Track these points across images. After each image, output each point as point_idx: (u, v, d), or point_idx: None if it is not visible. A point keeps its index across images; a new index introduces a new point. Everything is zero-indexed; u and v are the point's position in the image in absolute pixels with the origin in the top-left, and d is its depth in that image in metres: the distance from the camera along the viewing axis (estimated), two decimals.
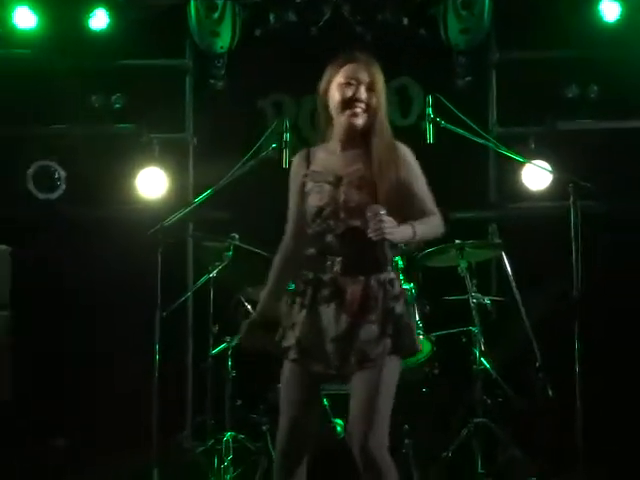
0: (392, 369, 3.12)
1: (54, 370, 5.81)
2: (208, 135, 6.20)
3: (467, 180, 6.01)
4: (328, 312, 3.10)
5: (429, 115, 4.44)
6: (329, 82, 3.23)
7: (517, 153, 4.73)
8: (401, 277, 4.85)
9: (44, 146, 6.03)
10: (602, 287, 5.24)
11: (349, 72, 3.19)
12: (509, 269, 4.79)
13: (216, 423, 5.03)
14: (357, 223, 3.10)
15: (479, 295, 4.86)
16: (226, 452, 4.68)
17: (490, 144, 4.62)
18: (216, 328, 5.10)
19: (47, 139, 6.09)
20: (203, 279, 5.12)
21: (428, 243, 4.80)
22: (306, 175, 3.25)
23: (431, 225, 3.20)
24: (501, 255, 4.88)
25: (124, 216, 6.00)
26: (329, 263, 3.13)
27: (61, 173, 6.02)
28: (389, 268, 3.16)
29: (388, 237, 2.99)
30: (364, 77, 3.18)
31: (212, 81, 6.14)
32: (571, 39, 5.91)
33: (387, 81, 6.48)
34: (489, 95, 6.20)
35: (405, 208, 3.13)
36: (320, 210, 3.16)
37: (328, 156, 3.26)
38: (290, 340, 3.15)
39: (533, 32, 5.94)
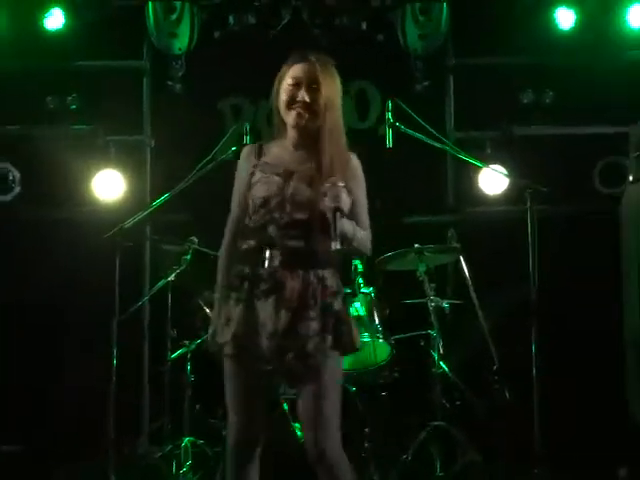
0: (334, 368, 3.13)
1: (8, 373, 5.71)
2: (166, 137, 6.16)
3: (425, 184, 6.07)
4: (266, 307, 3.07)
5: (389, 120, 4.47)
6: (279, 83, 3.24)
7: (475, 158, 4.78)
8: (361, 281, 4.91)
9: None
10: (558, 290, 5.32)
11: (295, 72, 3.19)
12: (467, 273, 4.82)
13: (174, 428, 4.99)
14: (301, 217, 3.10)
15: (437, 299, 4.89)
16: (185, 457, 4.64)
17: (448, 148, 4.67)
18: (174, 332, 5.06)
19: (1, 140, 5.99)
20: (161, 283, 5.08)
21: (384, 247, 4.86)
22: (255, 166, 3.23)
23: (365, 238, 3.21)
24: (459, 259, 4.91)
25: (80, 218, 5.93)
26: (268, 256, 3.10)
27: (15, 174, 5.95)
28: (328, 264, 3.14)
29: (342, 206, 3.00)
30: (309, 78, 3.16)
31: (170, 83, 6.09)
32: (527, 45, 5.99)
33: (345, 85, 6.52)
34: (446, 100, 6.26)
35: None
36: (265, 201, 3.14)
37: (281, 151, 3.26)
38: (225, 336, 3.11)
39: (490, 38, 6.03)
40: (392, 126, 4.48)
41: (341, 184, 3.04)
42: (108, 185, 5.90)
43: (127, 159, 6.02)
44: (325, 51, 5.95)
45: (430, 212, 6.10)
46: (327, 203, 3.02)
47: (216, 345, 3.17)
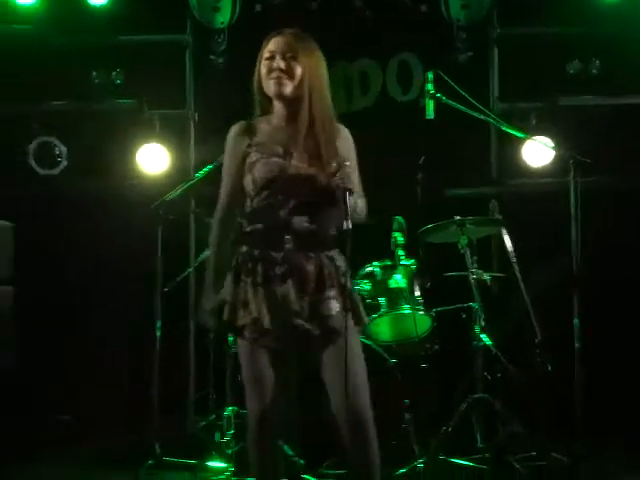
0: (358, 342, 3.22)
1: (56, 345, 5.83)
2: (209, 111, 6.17)
3: (468, 156, 6.01)
4: (284, 290, 3.08)
5: (429, 91, 4.44)
6: (259, 59, 3.26)
7: (518, 129, 4.72)
8: (401, 253, 4.90)
9: (45, 122, 6.01)
10: (602, 262, 5.26)
11: (270, 46, 3.22)
12: (509, 245, 4.78)
13: (218, 398, 5.06)
14: (308, 197, 3.11)
15: (479, 271, 4.84)
16: (227, 427, 4.69)
17: (490, 119, 4.62)
18: None
19: (48, 115, 6.06)
20: (204, 255, 5.12)
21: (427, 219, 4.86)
22: (249, 146, 3.20)
23: (362, 206, 3.23)
24: (501, 231, 4.86)
25: (125, 192, 6.00)
26: (280, 239, 3.11)
27: (62, 149, 6.01)
28: (335, 245, 3.18)
29: (349, 187, 3.01)
30: (283, 48, 3.18)
31: (212, 57, 6.10)
32: (573, 14, 5.88)
33: (388, 57, 6.46)
34: (490, 71, 6.18)
35: None
36: (269, 182, 3.13)
37: (273, 129, 3.24)
38: (245, 319, 3.09)
39: (534, 7, 5.92)
40: (433, 97, 4.46)
41: (347, 163, 3.04)
42: (152, 158, 5.97)
43: (171, 132, 6.07)
44: (368, 22, 6.01)
45: (473, 184, 6.05)
46: (338, 184, 3.01)
47: (235, 328, 3.14)
